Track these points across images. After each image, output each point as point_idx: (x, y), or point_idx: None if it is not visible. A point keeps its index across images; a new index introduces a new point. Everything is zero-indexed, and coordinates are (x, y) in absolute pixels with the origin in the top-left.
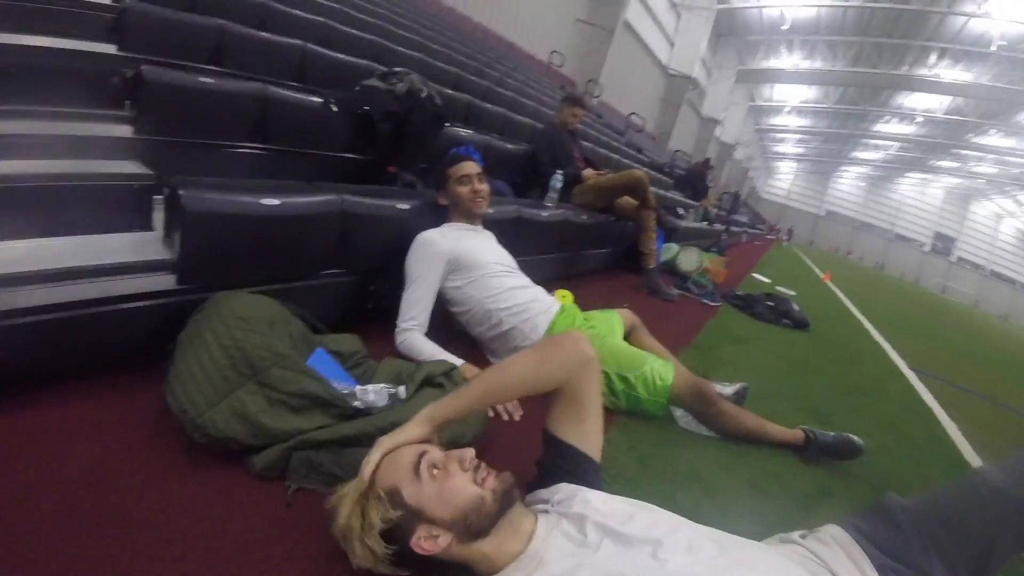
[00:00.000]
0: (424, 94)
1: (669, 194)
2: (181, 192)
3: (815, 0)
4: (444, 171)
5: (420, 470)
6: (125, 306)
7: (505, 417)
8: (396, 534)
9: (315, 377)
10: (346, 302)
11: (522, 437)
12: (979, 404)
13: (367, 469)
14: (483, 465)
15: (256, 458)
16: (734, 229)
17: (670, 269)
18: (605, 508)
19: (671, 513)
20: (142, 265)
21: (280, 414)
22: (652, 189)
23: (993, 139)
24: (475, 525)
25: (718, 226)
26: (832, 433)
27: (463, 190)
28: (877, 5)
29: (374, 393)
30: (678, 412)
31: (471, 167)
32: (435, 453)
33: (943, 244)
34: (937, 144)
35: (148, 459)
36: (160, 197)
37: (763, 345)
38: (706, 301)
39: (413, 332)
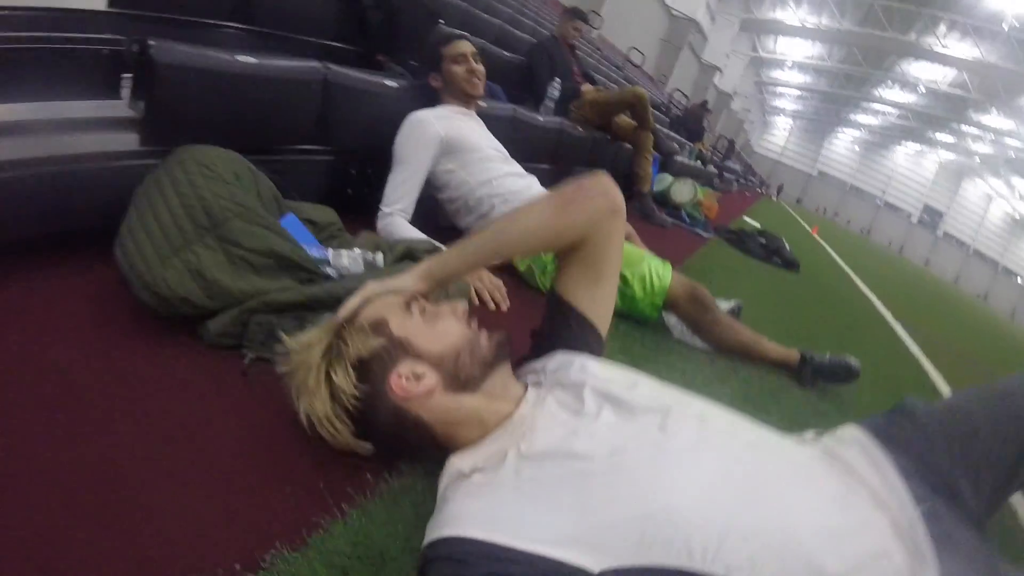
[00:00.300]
0: None
1: (668, 134)
2: (151, 43)
3: None
4: (438, 49)
5: (412, 307)
6: (82, 166)
7: (491, 306)
8: (372, 370)
9: (283, 235)
10: (325, 183)
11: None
12: (963, 361)
13: (344, 311)
14: (475, 321)
15: (211, 322)
16: (727, 175)
17: (663, 200)
18: (605, 374)
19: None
20: (103, 122)
21: (241, 273)
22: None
23: (993, 119)
24: (466, 369)
25: (712, 168)
26: (828, 355)
27: (459, 69)
28: None
29: (348, 258)
30: (672, 320)
31: (467, 45)
32: (424, 303)
33: (931, 217)
34: (936, 117)
35: (95, 332)
36: (130, 76)
37: (753, 278)
38: (699, 231)
39: (396, 217)
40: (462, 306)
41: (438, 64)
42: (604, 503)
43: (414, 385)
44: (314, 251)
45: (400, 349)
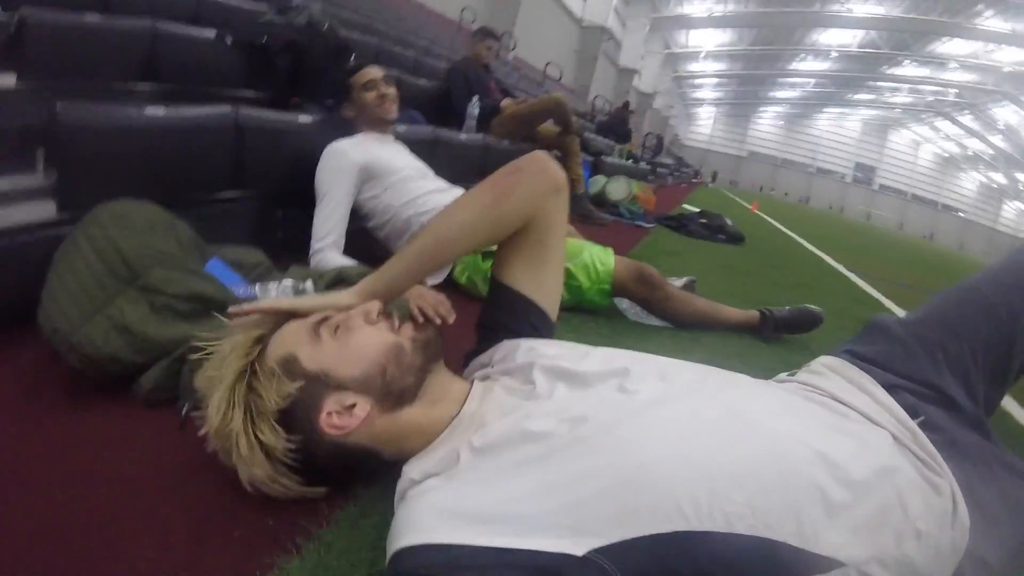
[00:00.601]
0: (325, 26)
1: (593, 137)
2: (58, 105)
3: None
4: (347, 80)
5: (320, 331)
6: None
7: (437, 321)
8: (298, 416)
9: (206, 278)
10: (252, 229)
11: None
12: (922, 293)
13: (246, 316)
14: (395, 316)
15: (143, 378)
16: (660, 170)
17: (599, 200)
18: (553, 351)
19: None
20: (18, 193)
21: (167, 321)
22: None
23: (907, 69)
24: (396, 382)
25: (643, 166)
26: (788, 307)
27: (370, 96)
28: None
29: (277, 290)
30: (624, 304)
31: (375, 71)
32: (334, 316)
33: (864, 174)
34: (852, 78)
35: (24, 403)
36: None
37: (701, 256)
38: (639, 223)
39: (327, 252)
40: (374, 306)
41: (349, 94)
42: (573, 479)
43: (347, 419)
44: (240, 290)
45: (320, 385)
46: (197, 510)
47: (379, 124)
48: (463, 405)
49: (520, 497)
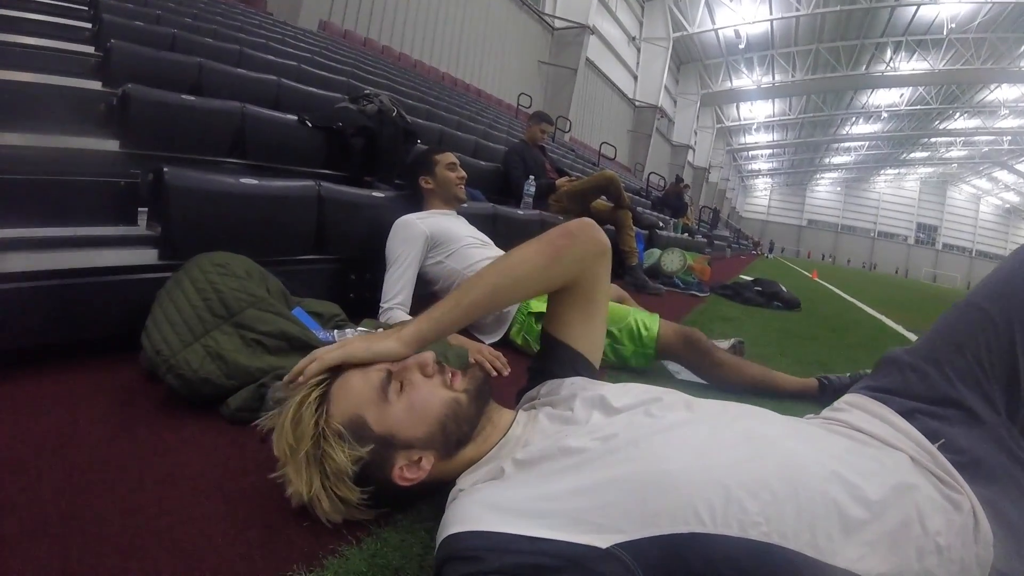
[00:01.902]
0: (395, 112)
1: (645, 212)
2: (165, 170)
3: (766, 15)
4: (431, 156)
5: (388, 392)
6: (106, 279)
7: (493, 374)
8: (370, 473)
9: (292, 320)
10: (328, 289)
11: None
12: None
13: (319, 363)
14: (447, 367)
15: (231, 399)
16: (717, 243)
17: (654, 272)
18: (594, 385)
19: None
20: (125, 239)
21: (255, 354)
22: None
23: (959, 123)
24: (455, 434)
25: (699, 239)
26: (848, 375)
27: (451, 175)
28: (826, 10)
29: (352, 335)
30: (674, 367)
31: (454, 156)
32: (393, 367)
33: (926, 234)
34: (905, 136)
35: (121, 417)
36: (144, 210)
37: (755, 322)
38: (694, 292)
39: (395, 311)
40: (429, 357)
41: (431, 169)
42: (602, 483)
43: (416, 471)
44: (321, 335)
45: (389, 446)
46: (271, 505)
47: (452, 201)
48: (509, 430)
49: (555, 497)
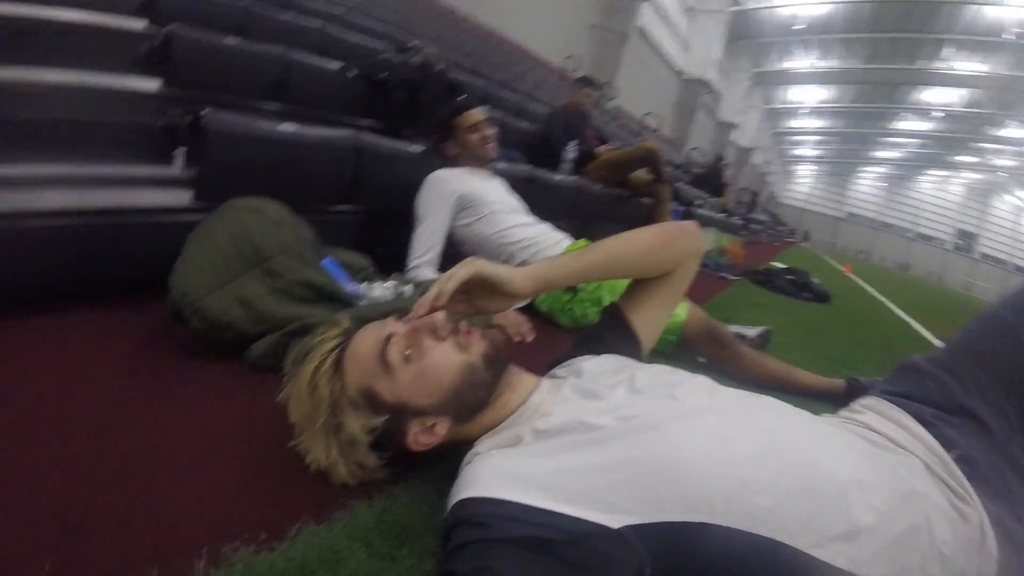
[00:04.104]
0: (439, 67)
1: (685, 188)
2: (204, 112)
3: None
4: (450, 121)
5: (389, 358)
6: (140, 219)
7: (516, 338)
8: (386, 440)
9: (320, 270)
10: (359, 240)
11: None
12: None
13: (453, 280)
14: (461, 326)
15: (254, 345)
16: (753, 226)
17: None
18: (623, 365)
19: None
20: (160, 180)
21: (282, 302)
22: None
23: (1011, 131)
24: (470, 400)
25: (736, 220)
26: (880, 379)
27: (474, 137)
28: None
29: (380, 288)
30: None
31: (479, 114)
32: (400, 331)
33: (965, 241)
34: (955, 139)
35: (145, 357)
36: (181, 151)
37: (783, 311)
38: (724, 275)
39: (424, 268)
40: (439, 318)
41: (451, 134)
42: (618, 463)
43: (430, 436)
44: (349, 286)
45: (402, 415)
46: (286, 455)
47: (479, 163)
48: (530, 396)
49: (570, 471)
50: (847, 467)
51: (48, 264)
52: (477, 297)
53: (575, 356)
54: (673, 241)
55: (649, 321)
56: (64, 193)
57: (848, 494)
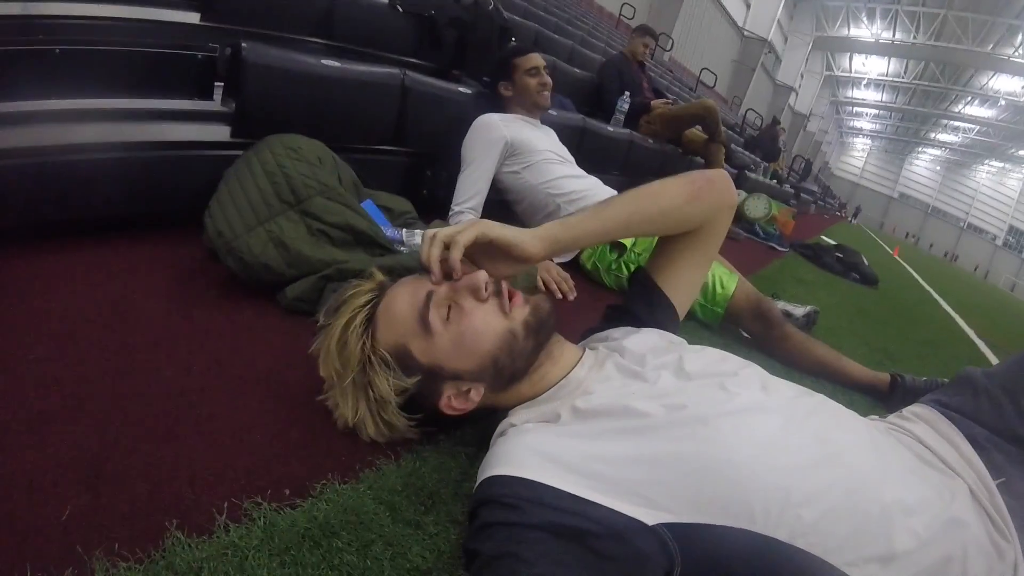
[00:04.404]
0: (491, 6)
1: (739, 151)
2: (243, 45)
3: None
4: (511, 60)
5: (429, 319)
6: (177, 153)
7: (558, 296)
8: (418, 401)
9: (361, 213)
10: (401, 182)
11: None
12: None
13: (436, 254)
14: (505, 287)
15: (289, 288)
16: (804, 196)
17: (736, 215)
18: (670, 344)
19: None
20: (198, 114)
21: (319, 244)
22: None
23: None
24: (508, 368)
25: (787, 188)
26: (924, 378)
27: (532, 81)
28: None
29: (421, 236)
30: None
31: (539, 59)
32: (440, 289)
33: (1017, 239)
34: (1019, 131)
35: (178, 294)
36: (221, 85)
37: (830, 291)
38: (773, 245)
39: (466, 215)
40: (482, 277)
41: (510, 74)
42: (661, 457)
43: (464, 402)
44: (389, 232)
45: (436, 377)
46: (315, 406)
47: (533, 109)
48: (572, 370)
49: (610, 459)
50: (894, 486)
51: (86, 197)
52: (483, 260)
53: (610, 327)
54: (702, 193)
55: (681, 285)
56: (103, 126)
57: (892, 516)
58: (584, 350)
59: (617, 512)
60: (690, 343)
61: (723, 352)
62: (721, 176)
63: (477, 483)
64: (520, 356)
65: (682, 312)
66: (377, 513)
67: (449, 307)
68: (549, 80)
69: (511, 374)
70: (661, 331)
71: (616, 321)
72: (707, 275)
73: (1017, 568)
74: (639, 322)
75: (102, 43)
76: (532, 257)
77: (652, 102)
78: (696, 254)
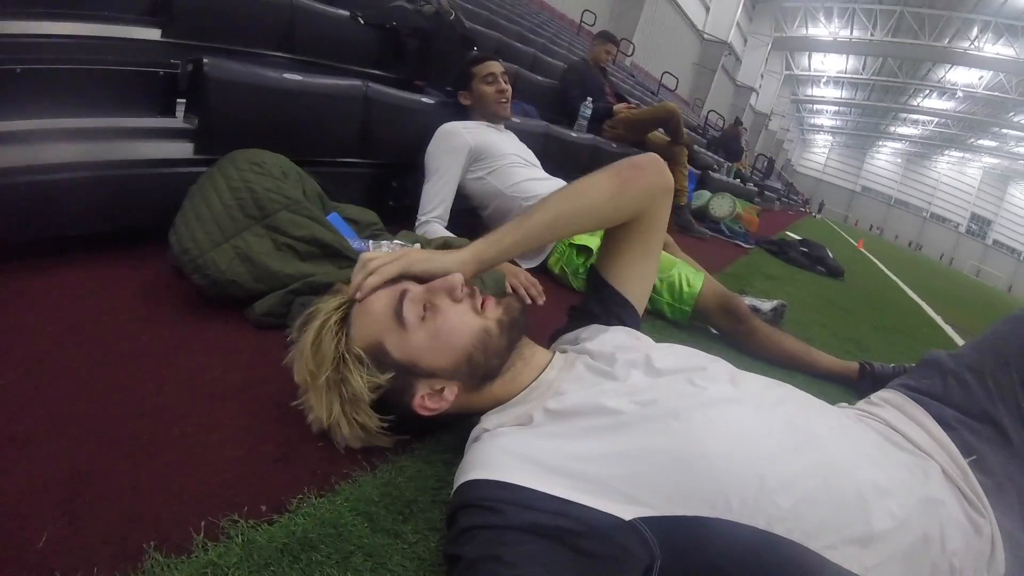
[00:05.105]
0: (452, 16)
1: (702, 151)
2: (205, 60)
3: None
4: (468, 69)
5: (404, 315)
6: (141, 171)
7: (528, 301)
8: (391, 400)
9: (327, 226)
10: (367, 194)
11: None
12: None
13: (359, 280)
14: (478, 291)
15: (257, 304)
16: (768, 194)
17: (702, 215)
18: (637, 342)
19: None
20: (161, 131)
21: (286, 259)
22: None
23: None
24: (482, 366)
25: (751, 187)
26: (893, 365)
27: (489, 89)
28: None
29: (387, 246)
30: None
31: (497, 66)
32: (416, 288)
33: (979, 226)
34: (977, 121)
35: (146, 312)
36: (183, 102)
37: (797, 284)
38: (738, 242)
39: (433, 224)
40: (456, 280)
41: (468, 83)
42: (636, 452)
43: (438, 401)
44: (355, 244)
45: (410, 374)
46: (289, 419)
47: (493, 118)
48: (543, 372)
49: (585, 458)
50: (868, 469)
51: (50, 217)
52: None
53: (577, 328)
54: (631, 182)
55: (633, 278)
56: (64, 146)
57: (867, 498)
58: (554, 352)
59: (595, 510)
60: (659, 342)
61: (691, 349)
62: (650, 160)
63: (454, 489)
64: (494, 354)
65: (640, 304)
66: (355, 525)
67: (424, 306)
68: (507, 87)
69: (485, 372)
70: (629, 329)
71: (579, 321)
72: (674, 275)
73: (994, 542)
74: (602, 320)
75: (63, 61)
76: (462, 275)
77: (615, 106)
78: (641, 244)
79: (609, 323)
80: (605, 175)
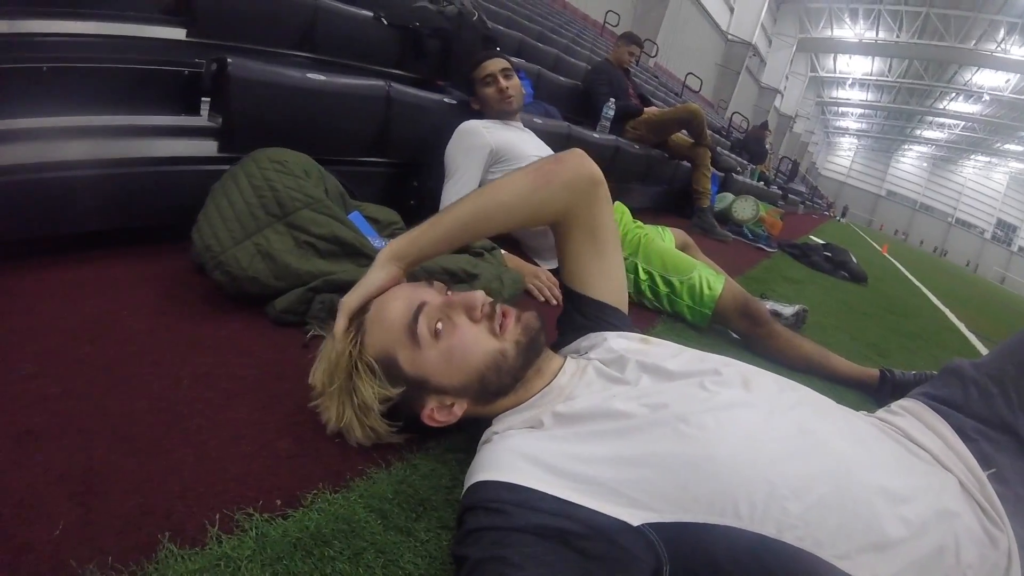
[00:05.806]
0: (475, 16)
1: (725, 153)
2: (229, 60)
3: None
4: (469, 75)
5: (418, 331)
6: (165, 168)
7: (540, 299)
8: (401, 409)
9: (348, 225)
10: (388, 193)
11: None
12: None
13: (336, 338)
14: (498, 310)
15: (276, 300)
16: (792, 196)
17: (724, 218)
18: (645, 346)
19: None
20: (185, 129)
21: (306, 256)
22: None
23: None
24: (494, 385)
25: (775, 190)
26: (914, 372)
27: (489, 91)
28: None
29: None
30: None
31: (493, 64)
32: (434, 302)
33: (1004, 232)
34: (1003, 125)
35: (167, 307)
36: (207, 100)
37: (819, 289)
38: (761, 245)
39: None
40: (479, 299)
41: (473, 89)
42: (644, 456)
43: (447, 415)
44: (376, 242)
45: (421, 390)
46: (304, 416)
47: (503, 116)
48: (554, 378)
49: (593, 461)
50: (882, 475)
51: (72, 215)
52: None
53: (571, 342)
54: (551, 176)
55: (600, 279)
56: (89, 144)
57: (881, 504)
58: (565, 358)
59: (602, 513)
60: (678, 344)
61: (702, 352)
62: (572, 154)
63: (464, 490)
64: (508, 374)
65: (619, 301)
66: (368, 521)
67: (440, 321)
68: (507, 85)
69: (496, 390)
70: (629, 333)
71: (572, 334)
72: (694, 278)
73: (1011, 555)
74: (592, 329)
75: (89, 60)
76: (382, 284)
77: (645, 109)
78: (590, 245)
79: (601, 329)
80: (524, 172)
